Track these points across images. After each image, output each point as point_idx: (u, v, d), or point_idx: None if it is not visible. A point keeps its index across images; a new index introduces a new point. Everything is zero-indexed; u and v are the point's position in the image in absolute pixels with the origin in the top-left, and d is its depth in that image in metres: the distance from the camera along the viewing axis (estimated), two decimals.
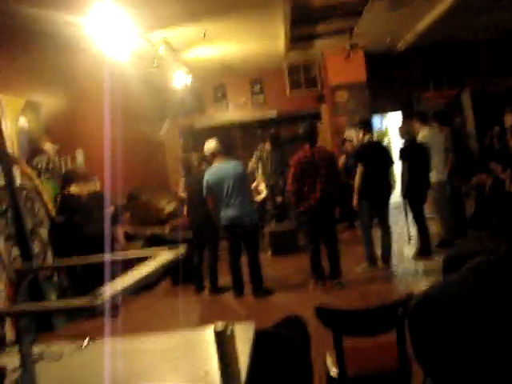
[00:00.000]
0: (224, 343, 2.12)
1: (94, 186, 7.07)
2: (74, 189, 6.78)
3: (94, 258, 2.55)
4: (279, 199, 10.08)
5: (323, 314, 2.93)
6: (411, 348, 2.22)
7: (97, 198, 6.85)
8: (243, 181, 6.84)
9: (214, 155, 6.88)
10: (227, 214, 6.74)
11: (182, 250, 2.13)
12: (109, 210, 7.05)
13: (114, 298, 1.37)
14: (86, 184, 6.86)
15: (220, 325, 2.14)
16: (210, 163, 7.02)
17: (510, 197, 2.21)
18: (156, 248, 2.09)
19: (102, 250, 5.23)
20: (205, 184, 6.79)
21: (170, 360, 2.51)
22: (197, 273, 7.47)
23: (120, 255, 3.11)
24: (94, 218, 6.68)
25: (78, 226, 6.60)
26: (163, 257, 1.97)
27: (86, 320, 6.41)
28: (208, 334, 2.64)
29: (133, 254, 2.72)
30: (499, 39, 11.88)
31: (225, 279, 7.28)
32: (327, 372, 3.08)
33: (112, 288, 1.42)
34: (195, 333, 2.93)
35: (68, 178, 6.92)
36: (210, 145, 6.95)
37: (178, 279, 7.86)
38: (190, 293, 7.36)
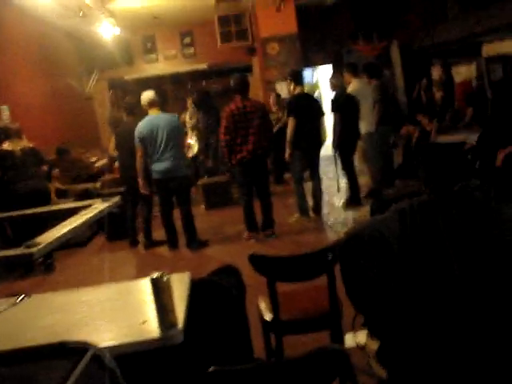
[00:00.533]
0: (160, 291, 2.16)
1: (26, 142, 6.90)
2: (7, 145, 6.61)
3: (27, 211, 2.52)
4: (209, 163, 10.13)
5: (257, 261, 3.01)
6: (341, 291, 2.34)
7: (31, 154, 6.72)
8: (177, 134, 6.76)
9: (150, 106, 6.75)
10: (159, 166, 6.67)
11: (116, 199, 2.14)
12: (44, 167, 6.93)
13: (50, 246, 1.37)
14: (19, 140, 6.71)
15: (156, 273, 2.19)
16: (144, 113, 6.91)
17: (433, 148, 2.32)
18: (90, 200, 2.09)
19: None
20: (137, 134, 6.65)
21: (107, 310, 2.54)
22: (131, 227, 7.45)
23: (54, 207, 3.08)
24: (30, 174, 6.57)
25: (12, 182, 6.45)
26: (98, 206, 1.97)
27: (19, 279, 6.34)
28: (144, 285, 2.67)
29: (67, 205, 2.70)
30: None
31: (159, 233, 7.29)
32: (262, 317, 3.19)
33: (47, 237, 1.42)
34: (131, 284, 2.95)
35: (0, 135, 6.73)
36: (148, 94, 6.81)
37: (111, 235, 7.81)
38: (125, 247, 7.35)
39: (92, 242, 7.93)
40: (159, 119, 6.70)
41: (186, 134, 9.44)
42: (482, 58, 10.03)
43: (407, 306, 1.96)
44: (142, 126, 6.69)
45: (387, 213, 2.06)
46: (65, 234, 1.59)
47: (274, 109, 10.07)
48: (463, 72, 10.47)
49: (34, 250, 1.31)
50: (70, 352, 1.65)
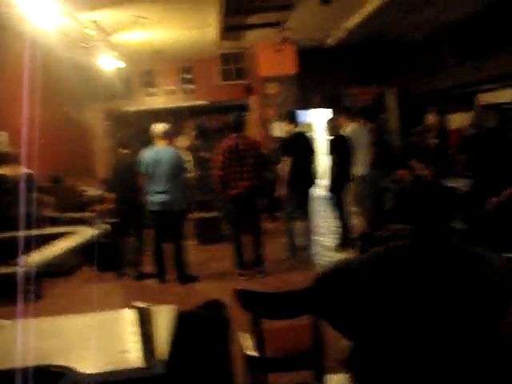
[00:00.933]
0: (144, 321, 2.16)
1: (24, 168, 6.91)
2: (3, 170, 6.64)
3: (17, 233, 2.53)
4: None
5: (243, 296, 3.00)
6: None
7: (27, 181, 6.73)
8: (178, 169, 6.81)
9: (160, 137, 6.84)
10: (158, 198, 6.72)
11: (105, 227, 2.15)
12: (36, 195, 6.92)
13: (35, 265, 1.38)
14: (17, 166, 6.74)
15: (140, 303, 2.18)
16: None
17: (418, 191, 2.36)
18: (80, 226, 2.09)
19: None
20: (142, 160, 6.75)
21: (90, 338, 2.52)
22: (120, 258, 7.40)
23: (43, 231, 3.09)
24: (24, 200, 6.58)
25: (6, 207, 6.44)
26: (86, 232, 1.98)
27: (4, 305, 6.27)
28: (129, 315, 2.66)
29: (56, 229, 2.70)
30: (425, 41, 12.31)
31: (148, 266, 7.26)
32: (246, 353, 3.16)
33: (33, 258, 1.43)
34: (116, 313, 2.94)
35: None
36: (161, 125, 6.91)
37: (102, 265, 7.76)
38: (113, 279, 7.29)
39: (81, 272, 7.87)
40: (164, 152, 6.77)
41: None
42: (478, 107, 10.17)
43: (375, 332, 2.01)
44: (147, 155, 6.77)
45: (366, 254, 2.12)
46: (53, 256, 1.60)
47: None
48: (458, 120, 10.60)
49: (21, 269, 1.31)
50: (53, 375, 1.65)
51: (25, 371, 1.65)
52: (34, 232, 2.59)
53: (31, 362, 2.00)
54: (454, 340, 1.97)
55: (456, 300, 1.99)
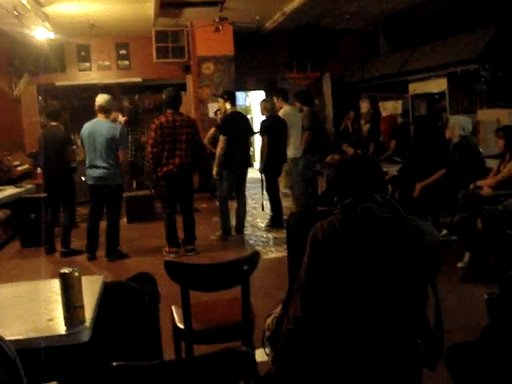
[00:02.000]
0: (70, 286, 2.14)
1: None
2: None
3: None
4: (140, 179, 10.21)
5: (172, 267, 3.02)
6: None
7: None
8: (115, 143, 6.67)
9: (99, 110, 6.70)
10: (94, 173, 6.64)
11: (30, 187, 2.12)
12: None
13: None
14: None
15: (66, 269, 2.17)
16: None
17: (348, 162, 2.46)
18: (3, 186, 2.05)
19: None
20: (80, 134, 6.74)
21: (14, 307, 2.49)
22: (49, 233, 7.25)
23: None
24: None
25: None
26: (11, 190, 1.95)
27: None
28: (55, 285, 2.64)
29: None
30: (361, 30, 12.53)
31: (77, 242, 7.16)
32: (174, 325, 3.19)
33: None
34: (42, 283, 2.91)
35: None
36: (103, 97, 6.75)
37: (26, 241, 7.60)
38: (41, 255, 7.15)
39: (6, 248, 7.68)
40: (101, 125, 6.66)
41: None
42: (408, 95, 10.47)
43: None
44: (84, 128, 6.72)
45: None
46: None
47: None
48: (389, 107, 10.88)
49: None
50: None
51: None
52: None
53: None
54: (388, 301, 2.12)
55: (391, 267, 2.10)
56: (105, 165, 6.60)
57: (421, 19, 10.59)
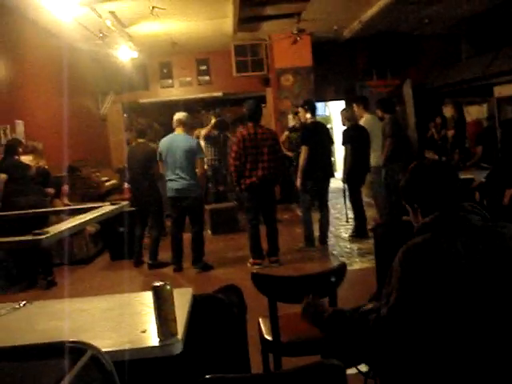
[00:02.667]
0: (162, 299, 2.18)
1: (43, 162, 7.00)
2: (24, 158, 6.71)
3: (42, 210, 2.57)
4: (221, 188, 10.33)
5: (259, 280, 3.02)
6: None
7: (42, 174, 6.82)
8: (193, 156, 6.82)
9: (177, 125, 6.92)
10: (173, 185, 6.79)
11: (124, 204, 2.18)
12: (51, 190, 7.00)
13: (58, 234, 1.41)
14: (37, 158, 6.84)
15: (158, 282, 2.21)
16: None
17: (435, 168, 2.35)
18: (99, 203, 2.12)
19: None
20: (158, 149, 6.91)
21: (107, 319, 2.55)
22: (137, 247, 7.45)
23: (66, 208, 3.13)
24: (34, 190, 6.63)
25: (15, 194, 6.50)
26: (106, 207, 2.01)
27: (20, 292, 6.38)
28: (146, 297, 2.70)
29: (76, 206, 2.73)
30: (442, 34, 12.24)
31: (164, 255, 7.31)
32: (262, 337, 3.19)
33: (56, 228, 1.46)
34: (133, 295, 2.97)
35: (14, 148, 6.86)
36: (181, 113, 7.03)
37: (116, 254, 7.84)
38: (129, 267, 7.35)
39: (96, 261, 7.95)
40: (179, 139, 6.84)
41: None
42: (493, 99, 10.11)
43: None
44: (162, 142, 6.92)
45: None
46: (74, 226, 1.62)
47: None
48: (474, 112, 10.55)
49: (42, 236, 1.34)
50: (69, 351, 1.67)
51: (42, 346, 1.67)
52: (58, 209, 2.63)
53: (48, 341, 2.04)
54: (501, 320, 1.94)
55: (497, 281, 1.95)
56: (184, 176, 6.75)
57: (503, 21, 10.21)
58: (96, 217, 1.79)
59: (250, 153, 6.66)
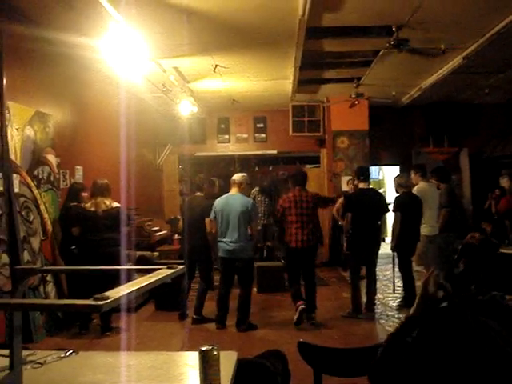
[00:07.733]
0: (208, 364, 2.16)
1: (111, 200, 6.91)
2: (89, 205, 6.75)
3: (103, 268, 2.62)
4: (270, 243, 10.46)
5: (305, 349, 2.97)
6: None
7: (114, 216, 6.72)
8: (248, 217, 6.88)
9: (234, 184, 7.03)
10: (226, 246, 6.85)
11: (181, 268, 2.20)
12: (125, 229, 6.95)
13: (117, 301, 1.42)
14: (103, 198, 6.77)
15: (206, 346, 2.20)
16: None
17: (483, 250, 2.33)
18: (156, 266, 2.14)
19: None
20: (213, 208, 6.97)
21: (153, 377, 2.54)
22: (183, 299, 7.45)
23: (124, 267, 3.17)
24: (110, 237, 6.65)
25: (92, 240, 6.60)
26: (164, 272, 2.03)
27: (67, 337, 6.44)
28: (190, 357, 2.69)
29: (135, 267, 2.76)
30: (501, 103, 12.14)
31: (208, 308, 7.29)
32: None
33: (115, 293, 1.48)
34: (178, 354, 2.96)
35: (79, 190, 7.05)
36: (239, 175, 7.19)
37: (160, 304, 7.86)
38: (173, 319, 7.35)
39: (142, 310, 7.98)
40: (235, 199, 6.92)
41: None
42: None
43: None
44: (217, 202, 7.01)
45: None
46: (131, 292, 1.64)
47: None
48: None
49: (102, 302, 1.36)
50: None
51: None
52: (117, 268, 2.67)
53: None
54: None
55: None
56: (237, 238, 6.81)
57: None
58: (154, 282, 1.81)
59: (294, 213, 7.00)
